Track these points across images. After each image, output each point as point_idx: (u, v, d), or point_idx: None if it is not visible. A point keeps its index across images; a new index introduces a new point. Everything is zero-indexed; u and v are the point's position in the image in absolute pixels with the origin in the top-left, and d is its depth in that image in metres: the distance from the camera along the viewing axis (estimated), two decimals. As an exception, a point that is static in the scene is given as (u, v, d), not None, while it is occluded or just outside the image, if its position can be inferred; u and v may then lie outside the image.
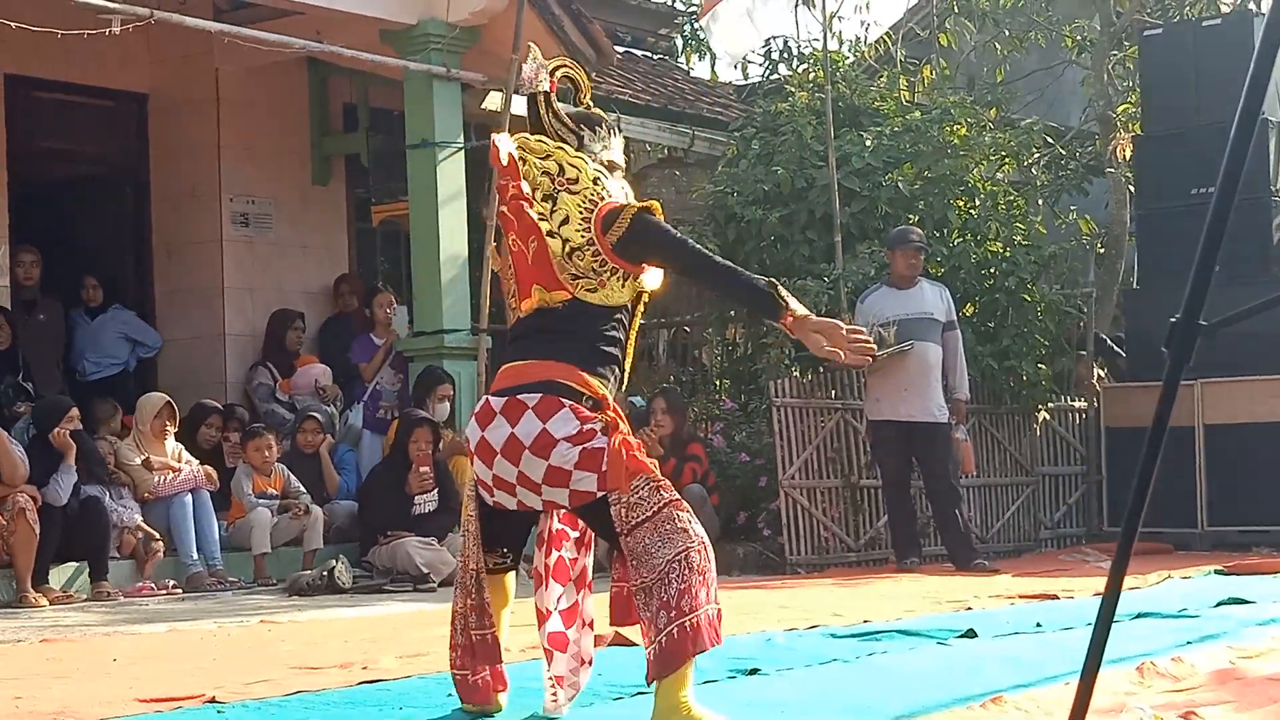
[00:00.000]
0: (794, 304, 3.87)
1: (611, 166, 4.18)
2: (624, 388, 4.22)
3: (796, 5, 13.30)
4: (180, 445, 9.35)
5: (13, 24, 8.57)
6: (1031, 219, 11.97)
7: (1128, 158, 12.83)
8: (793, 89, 12.35)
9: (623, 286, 4.00)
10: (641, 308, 4.13)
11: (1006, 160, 12.34)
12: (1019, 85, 14.54)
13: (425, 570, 8.89)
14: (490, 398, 3.99)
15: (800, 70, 13.28)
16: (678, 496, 3.89)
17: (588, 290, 3.96)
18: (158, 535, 8.82)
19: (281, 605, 8.09)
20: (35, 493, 8.24)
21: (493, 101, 10.74)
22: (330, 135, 11.82)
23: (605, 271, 3.97)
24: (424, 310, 10.48)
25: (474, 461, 4.01)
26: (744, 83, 15.00)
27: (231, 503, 9.47)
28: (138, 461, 9.10)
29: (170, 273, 11.43)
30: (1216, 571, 8.58)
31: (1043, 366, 11.27)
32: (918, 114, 11.75)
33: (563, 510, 4.04)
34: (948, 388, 9.74)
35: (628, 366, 4.11)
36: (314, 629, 6.90)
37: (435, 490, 9.37)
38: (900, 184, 11.09)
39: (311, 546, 9.31)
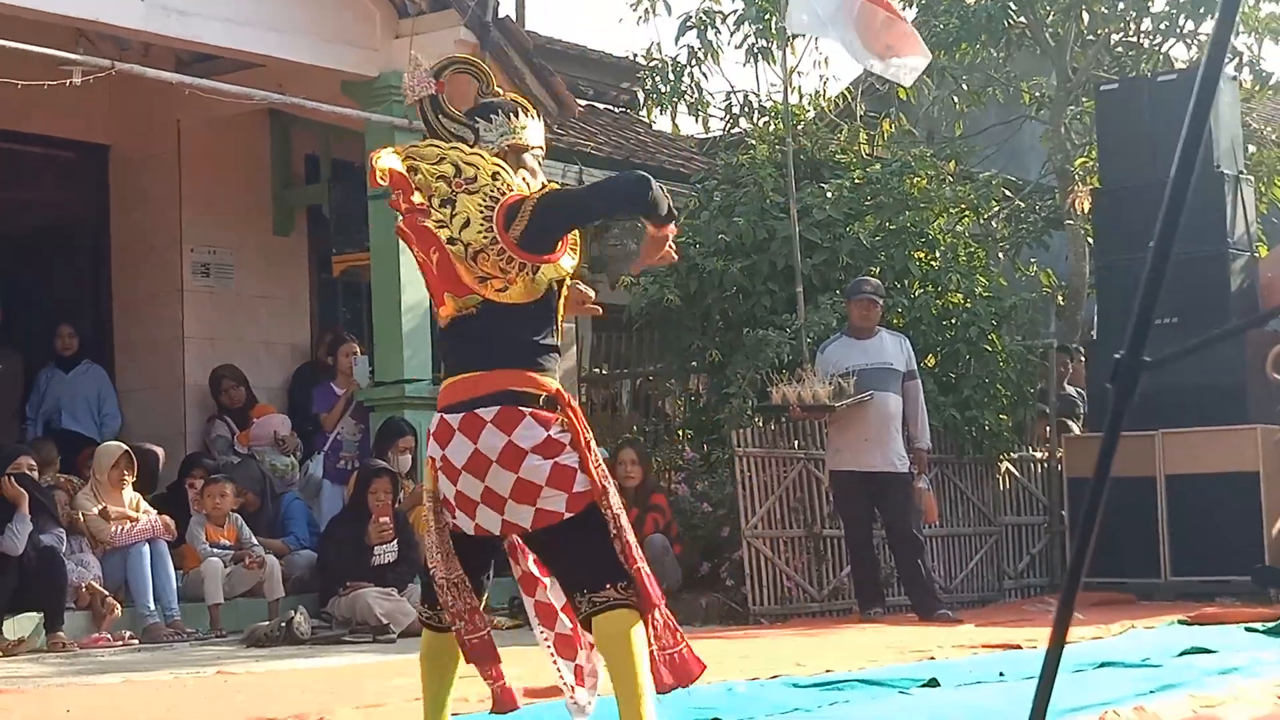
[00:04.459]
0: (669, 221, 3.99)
1: (519, 149, 4.06)
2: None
3: (756, 60, 13.35)
4: (138, 495, 9.27)
5: (-28, 74, 8.54)
6: (992, 270, 12.03)
7: (1086, 211, 12.92)
8: (754, 142, 12.40)
9: (532, 280, 3.89)
10: (566, 289, 4.03)
11: (967, 213, 12.40)
12: (978, 139, 14.64)
13: (385, 621, 8.83)
14: (444, 415, 3.91)
15: (761, 123, 13.35)
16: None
17: (497, 290, 3.88)
18: (110, 595, 8.69)
19: (239, 656, 8.01)
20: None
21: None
22: (292, 187, 11.81)
23: (512, 269, 3.87)
24: (385, 360, 10.44)
25: (438, 477, 3.93)
26: (705, 136, 15.06)
27: (186, 552, 9.39)
28: (95, 511, 9.02)
29: (131, 323, 11.37)
30: (1179, 621, 8.60)
31: (1004, 417, 11.30)
32: (878, 166, 11.81)
33: (519, 536, 3.96)
34: (909, 437, 9.76)
35: (562, 353, 4.06)
36: (271, 680, 6.83)
37: (395, 541, 9.32)
38: (861, 235, 11.13)
39: (274, 596, 9.23)
